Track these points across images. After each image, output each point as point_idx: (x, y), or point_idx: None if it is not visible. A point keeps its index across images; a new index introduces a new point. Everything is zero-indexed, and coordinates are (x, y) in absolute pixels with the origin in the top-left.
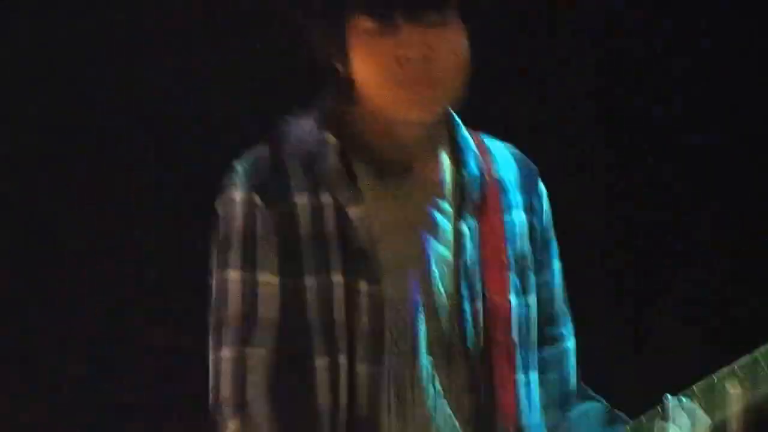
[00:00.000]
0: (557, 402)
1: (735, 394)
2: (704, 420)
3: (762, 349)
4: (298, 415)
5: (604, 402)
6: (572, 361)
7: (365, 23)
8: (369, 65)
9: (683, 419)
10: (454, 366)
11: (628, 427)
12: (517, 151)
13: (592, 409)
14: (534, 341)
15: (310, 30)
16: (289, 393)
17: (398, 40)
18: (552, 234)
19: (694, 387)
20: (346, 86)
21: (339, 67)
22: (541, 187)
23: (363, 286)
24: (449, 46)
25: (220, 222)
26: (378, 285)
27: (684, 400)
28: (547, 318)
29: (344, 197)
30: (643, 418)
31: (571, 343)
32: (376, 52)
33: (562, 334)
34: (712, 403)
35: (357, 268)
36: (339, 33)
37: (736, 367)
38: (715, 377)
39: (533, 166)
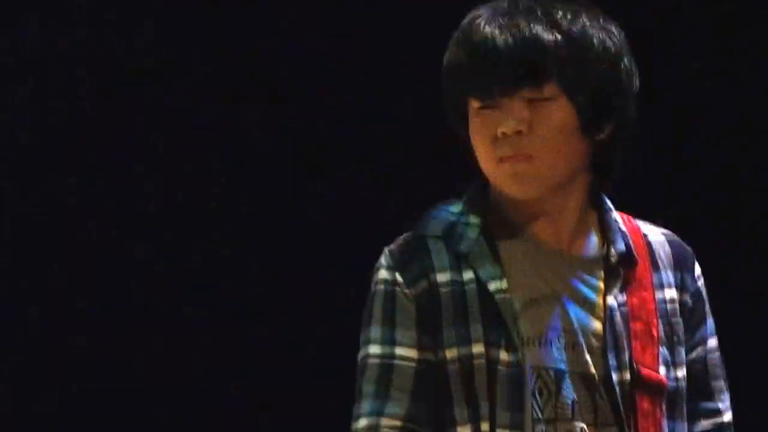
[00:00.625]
0: None
1: None
2: None
3: None
4: None
5: None
6: None
7: (474, 102)
8: (476, 143)
9: None
10: (601, 431)
11: None
12: (673, 235)
13: None
14: (683, 415)
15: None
16: None
17: (495, 117)
18: (707, 312)
19: None
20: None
21: (467, 148)
22: (697, 268)
23: (504, 355)
24: (547, 120)
25: (368, 302)
26: (518, 354)
27: None
28: (702, 393)
29: (486, 273)
30: None
31: (727, 418)
32: (480, 129)
33: (718, 409)
34: None
35: (497, 339)
36: (460, 113)
37: None
38: None
39: (688, 249)
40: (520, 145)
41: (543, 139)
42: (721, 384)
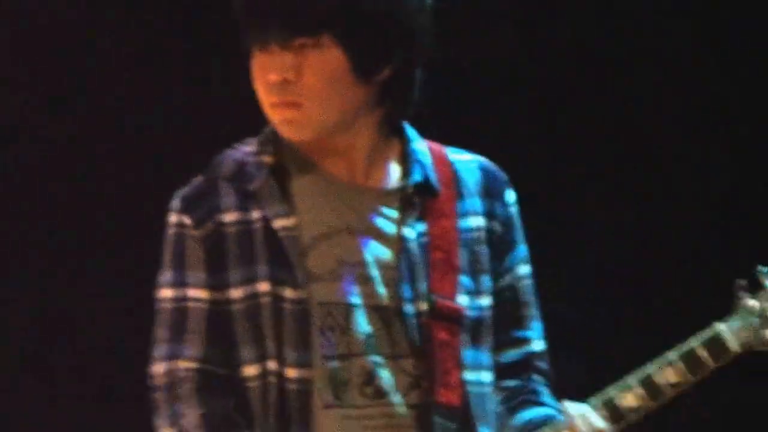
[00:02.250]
0: (512, 409)
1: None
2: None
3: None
4: (231, 427)
5: (552, 408)
6: (536, 363)
7: (254, 49)
8: (255, 87)
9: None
10: (400, 365)
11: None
12: (486, 162)
13: (533, 418)
14: (488, 342)
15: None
16: (221, 402)
17: (267, 63)
18: (519, 239)
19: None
20: None
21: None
22: (509, 195)
23: (289, 293)
24: (315, 68)
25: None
26: (304, 291)
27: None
28: (511, 321)
29: (272, 211)
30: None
31: (537, 346)
32: (255, 74)
33: (527, 337)
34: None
35: (283, 277)
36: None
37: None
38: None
39: (502, 175)
40: (287, 92)
41: (310, 87)
42: (531, 312)
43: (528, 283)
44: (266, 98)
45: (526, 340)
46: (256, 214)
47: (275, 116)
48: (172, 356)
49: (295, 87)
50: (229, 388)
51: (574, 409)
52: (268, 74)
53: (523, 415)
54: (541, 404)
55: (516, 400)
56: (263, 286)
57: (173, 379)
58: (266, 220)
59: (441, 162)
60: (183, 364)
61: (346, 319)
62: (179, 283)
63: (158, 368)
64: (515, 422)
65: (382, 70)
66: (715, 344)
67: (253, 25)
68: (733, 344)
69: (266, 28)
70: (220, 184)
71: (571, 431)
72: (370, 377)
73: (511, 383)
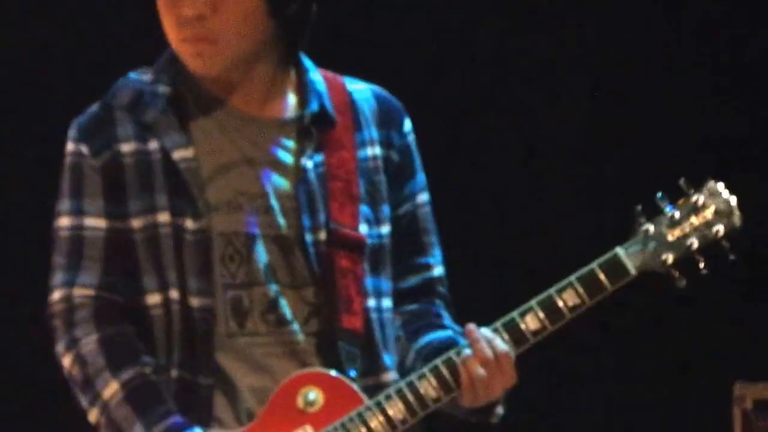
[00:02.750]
0: (411, 333)
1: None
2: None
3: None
4: (130, 352)
5: (453, 331)
6: (437, 288)
7: None
8: (163, 19)
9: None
10: (300, 293)
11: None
12: (382, 91)
13: (436, 339)
14: (388, 270)
15: None
16: (119, 327)
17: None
18: (417, 168)
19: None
20: None
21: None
22: (406, 124)
23: (189, 223)
24: (231, 4)
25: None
26: (204, 221)
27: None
28: (411, 248)
29: (171, 141)
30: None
31: (437, 271)
32: (165, 10)
33: (428, 263)
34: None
35: (183, 207)
36: None
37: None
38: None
39: (397, 104)
40: (203, 28)
41: (226, 23)
42: (430, 239)
43: (427, 210)
44: (177, 33)
45: (427, 266)
46: (153, 145)
47: (187, 50)
48: (68, 283)
49: (209, 22)
50: (127, 315)
51: (477, 332)
52: (181, 9)
53: (425, 338)
54: (443, 327)
55: (418, 323)
56: (163, 217)
57: (70, 305)
58: (165, 151)
59: (337, 91)
60: (79, 291)
61: (247, 249)
62: (77, 211)
63: (55, 295)
64: (418, 345)
65: (292, 4)
66: (613, 267)
67: None
68: (631, 267)
69: None
70: (117, 114)
71: (474, 354)
72: (271, 306)
73: (412, 307)
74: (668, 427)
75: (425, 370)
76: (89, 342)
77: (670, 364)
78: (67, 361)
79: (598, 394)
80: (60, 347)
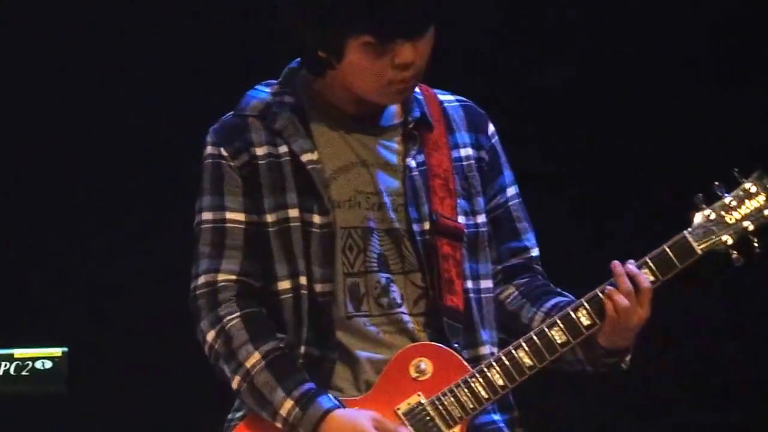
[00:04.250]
0: (534, 298)
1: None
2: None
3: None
4: (268, 328)
5: (570, 296)
6: (536, 266)
7: (368, 39)
8: (365, 69)
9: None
10: (408, 277)
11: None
12: (466, 100)
13: (562, 302)
14: (485, 255)
15: (308, 33)
16: (259, 308)
17: (395, 52)
18: (504, 164)
19: None
20: (320, 68)
21: (325, 56)
22: (490, 128)
23: (316, 218)
24: (427, 48)
25: (200, 176)
26: (329, 216)
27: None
28: (508, 234)
29: (298, 146)
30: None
31: (535, 252)
32: (375, 60)
33: (525, 246)
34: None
35: (310, 204)
36: (339, 40)
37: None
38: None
39: (481, 112)
40: (411, 72)
41: (424, 64)
42: (524, 225)
43: (518, 201)
44: (390, 78)
45: (525, 249)
46: (283, 149)
47: (395, 91)
48: (212, 270)
49: (416, 65)
50: (264, 299)
51: (621, 267)
52: (399, 59)
53: (551, 301)
54: (562, 294)
55: (537, 291)
56: (293, 212)
57: (214, 288)
58: (293, 154)
59: (431, 101)
60: (223, 276)
61: (364, 241)
62: (219, 207)
63: (200, 280)
64: (545, 308)
65: None
66: (681, 247)
67: (399, 23)
68: (696, 247)
69: (411, 24)
70: (250, 121)
71: (618, 287)
72: (384, 290)
73: (524, 280)
74: None
75: (568, 310)
76: (233, 319)
77: None
78: (210, 335)
79: None
80: (204, 324)
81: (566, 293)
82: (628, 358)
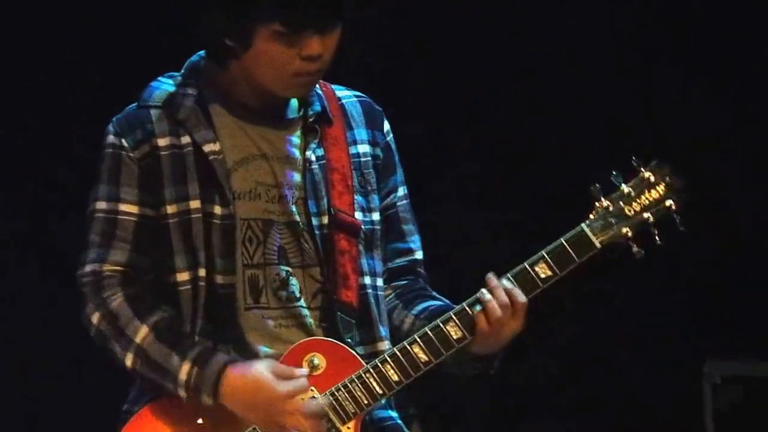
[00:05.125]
0: (407, 301)
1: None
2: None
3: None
4: (151, 302)
5: (445, 301)
6: (418, 269)
7: (277, 27)
8: (272, 59)
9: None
10: (307, 271)
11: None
12: (364, 96)
13: (432, 305)
14: (379, 252)
15: (215, 21)
16: (140, 288)
17: (303, 43)
18: (397, 164)
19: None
20: (225, 58)
21: (231, 45)
22: (386, 125)
23: (217, 209)
24: (334, 43)
25: (96, 164)
26: (230, 208)
27: (504, 280)
28: (395, 234)
29: (200, 137)
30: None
31: (419, 255)
32: (282, 50)
33: (410, 248)
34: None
35: (212, 196)
36: (248, 28)
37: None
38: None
39: (378, 108)
40: (318, 65)
41: (329, 58)
42: (410, 227)
43: (406, 201)
44: (296, 69)
45: (409, 251)
46: (185, 139)
47: (300, 83)
48: (99, 260)
49: (323, 59)
50: (153, 291)
51: (496, 280)
52: (307, 51)
53: (422, 305)
54: (435, 297)
55: (410, 294)
56: (195, 204)
57: (99, 277)
58: (195, 145)
59: (330, 96)
60: (108, 267)
61: (264, 233)
62: (113, 197)
63: (86, 269)
64: (415, 311)
65: None
66: (579, 241)
67: (311, 14)
68: (595, 240)
69: (322, 17)
70: (153, 112)
71: (494, 298)
72: (283, 283)
73: (402, 282)
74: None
75: (438, 322)
76: (116, 299)
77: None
78: (95, 317)
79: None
80: (88, 309)
81: (442, 298)
82: (497, 362)
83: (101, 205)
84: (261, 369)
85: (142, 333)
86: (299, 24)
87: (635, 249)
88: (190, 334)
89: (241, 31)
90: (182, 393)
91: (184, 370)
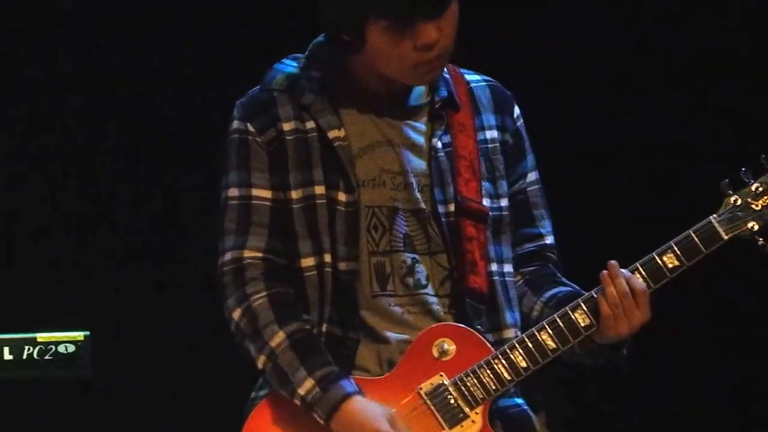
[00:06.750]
0: (536, 288)
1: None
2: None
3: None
4: (294, 309)
5: (574, 287)
6: (548, 254)
7: (385, 22)
8: (389, 54)
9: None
10: (434, 258)
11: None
12: (493, 81)
13: (561, 291)
14: (508, 239)
15: (330, 17)
16: (284, 287)
17: (417, 33)
18: (527, 149)
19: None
20: (346, 52)
21: (348, 40)
22: (516, 110)
23: (342, 196)
24: (450, 25)
25: (224, 151)
26: (354, 195)
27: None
28: (525, 219)
29: (325, 123)
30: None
31: (549, 240)
32: (396, 43)
33: (540, 233)
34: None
35: (336, 182)
36: (358, 26)
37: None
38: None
39: (508, 93)
40: (437, 50)
41: (450, 40)
42: (541, 212)
43: (538, 187)
44: (415, 59)
45: (539, 235)
46: (310, 124)
47: (423, 71)
48: (239, 246)
49: (441, 43)
50: (288, 276)
51: (618, 269)
52: (421, 41)
53: (551, 291)
54: (564, 284)
55: (540, 281)
56: (319, 189)
57: (240, 265)
58: (321, 131)
59: (458, 80)
60: (249, 254)
61: (389, 221)
62: (245, 183)
63: (227, 257)
64: (544, 297)
65: None
66: (707, 233)
67: (416, 2)
68: (722, 233)
69: (428, 2)
70: (276, 95)
71: (616, 288)
72: (410, 270)
73: (532, 268)
74: None
75: (567, 308)
76: (259, 298)
77: None
78: (237, 314)
79: None
80: (230, 301)
81: (571, 284)
82: (625, 350)
83: (234, 192)
84: (378, 414)
85: (278, 339)
86: (406, 14)
87: (761, 242)
88: (318, 323)
89: (354, 28)
90: (297, 402)
91: (306, 387)
